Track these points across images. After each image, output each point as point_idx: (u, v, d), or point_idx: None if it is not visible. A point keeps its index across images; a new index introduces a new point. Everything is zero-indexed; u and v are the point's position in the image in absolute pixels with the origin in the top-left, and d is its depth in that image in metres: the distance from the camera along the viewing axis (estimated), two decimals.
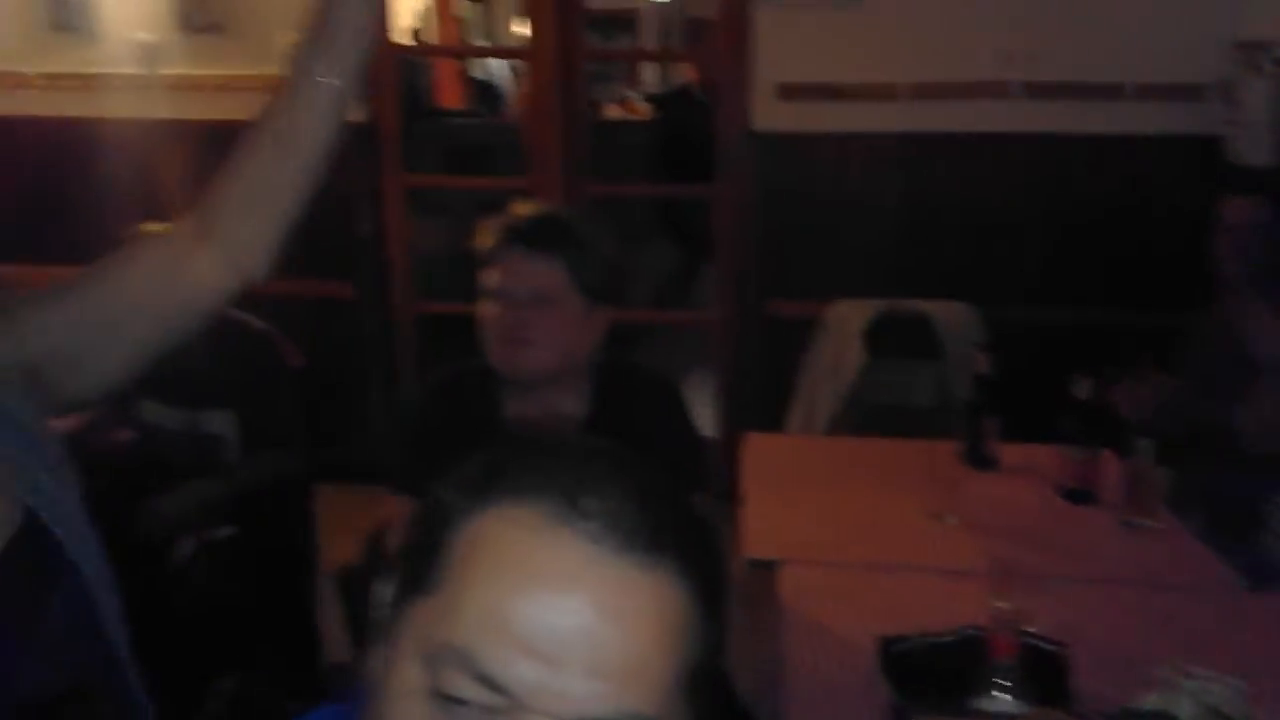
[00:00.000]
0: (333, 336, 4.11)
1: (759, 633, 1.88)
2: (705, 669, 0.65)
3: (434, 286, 4.47)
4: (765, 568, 1.98)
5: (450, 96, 7.22)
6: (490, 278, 1.77)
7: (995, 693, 1.33)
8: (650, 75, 9.62)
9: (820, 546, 2.08)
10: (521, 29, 8.61)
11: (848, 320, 3.78)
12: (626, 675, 0.60)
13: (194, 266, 1.09)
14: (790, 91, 3.83)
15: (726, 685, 1.91)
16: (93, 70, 4.06)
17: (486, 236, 1.78)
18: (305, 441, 2.75)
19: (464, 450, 1.79)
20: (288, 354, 2.89)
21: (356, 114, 4.04)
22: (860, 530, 2.16)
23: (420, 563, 0.64)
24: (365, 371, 4.29)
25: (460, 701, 0.60)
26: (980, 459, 2.45)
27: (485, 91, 7.98)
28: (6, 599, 0.97)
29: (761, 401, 3.98)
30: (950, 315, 3.73)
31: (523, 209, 1.81)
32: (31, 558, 0.98)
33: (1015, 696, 1.32)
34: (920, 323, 3.73)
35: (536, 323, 1.73)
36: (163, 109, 4.05)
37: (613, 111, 7.75)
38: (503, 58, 8.36)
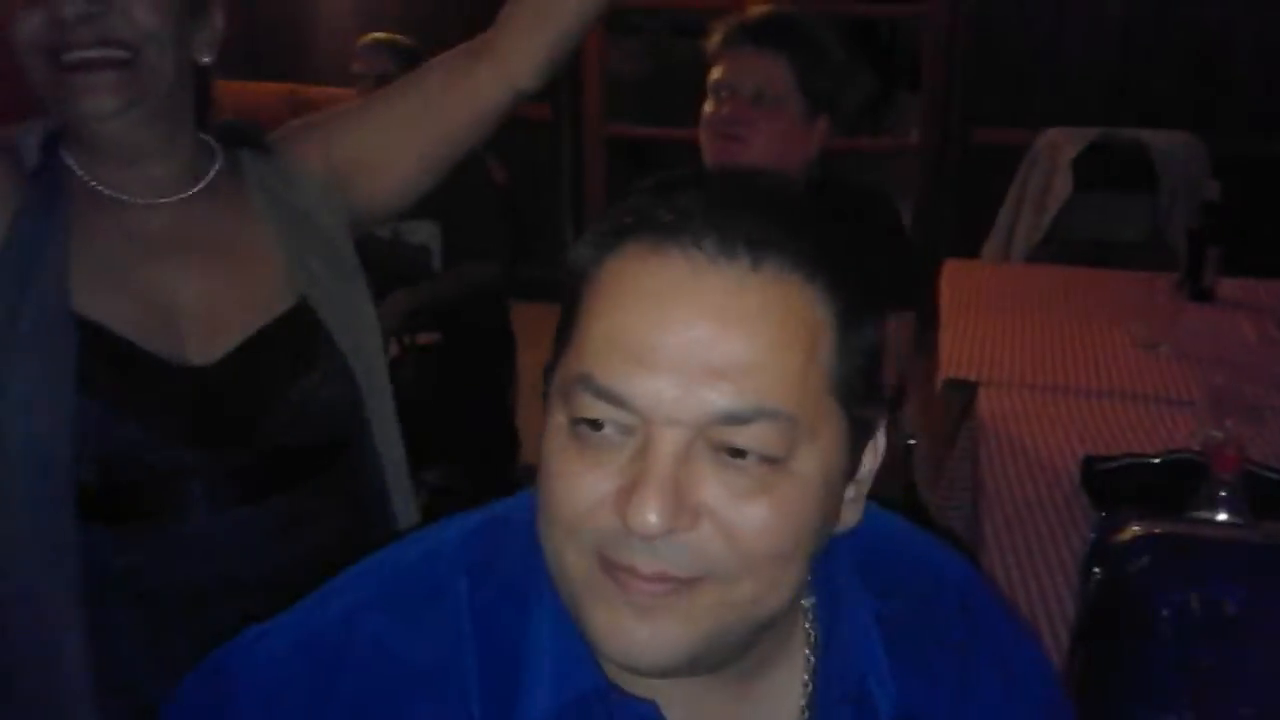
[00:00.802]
0: (527, 156, 4.18)
1: (955, 451, 1.88)
2: (856, 374, 0.65)
3: (625, 109, 4.47)
4: (963, 389, 1.96)
5: None
6: (714, 73, 1.75)
7: (1218, 507, 1.29)
8: None
9: (1021, 370, 2.05)
10: None
11: (1058, 149, 3.59)
12: (748, 372, 0.60)
13: (476, 78, 1.16)
14: None
15: (913, 495, 1.94)
16: None
17: (715, 34, 1.76)
18: (505, 255, 2.85)
19: None
20: (492, 170, 2.97)
21: None
22: (1065, 357, 2.11)
23: (562, 324, 0.67)
24: (557, 191, 4.37)
25: (594, 424, 0.62)
26: (1198, 290, 2.33)
27: None
28: (269, 363, 1.09)
29: (957, 231, 3.87)
30: (1171, 144, 3.49)
31: (755, 8, 1.79)
32: (298, 334, 1.10)
33: (1238, 512, 1.29)
34: (1136, 153, 3.51)
35: (756, 120, 1.71)
36: None
37: None
38: None
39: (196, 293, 1.07)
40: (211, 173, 1.12)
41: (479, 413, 2.83)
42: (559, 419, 0.65)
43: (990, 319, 2.31)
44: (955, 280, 2.50)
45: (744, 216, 0.63)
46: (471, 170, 2.80)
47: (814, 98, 1.73)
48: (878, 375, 0.68)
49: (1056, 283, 2.60)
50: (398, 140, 1.17)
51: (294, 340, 1.10)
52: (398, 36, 2.77)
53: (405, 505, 1.22)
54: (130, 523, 1.05)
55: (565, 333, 0.67)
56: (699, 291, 0.61)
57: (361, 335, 1.15)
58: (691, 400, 0.60)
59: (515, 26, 1.16)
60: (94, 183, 1.06)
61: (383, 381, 1.18)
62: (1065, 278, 2.66)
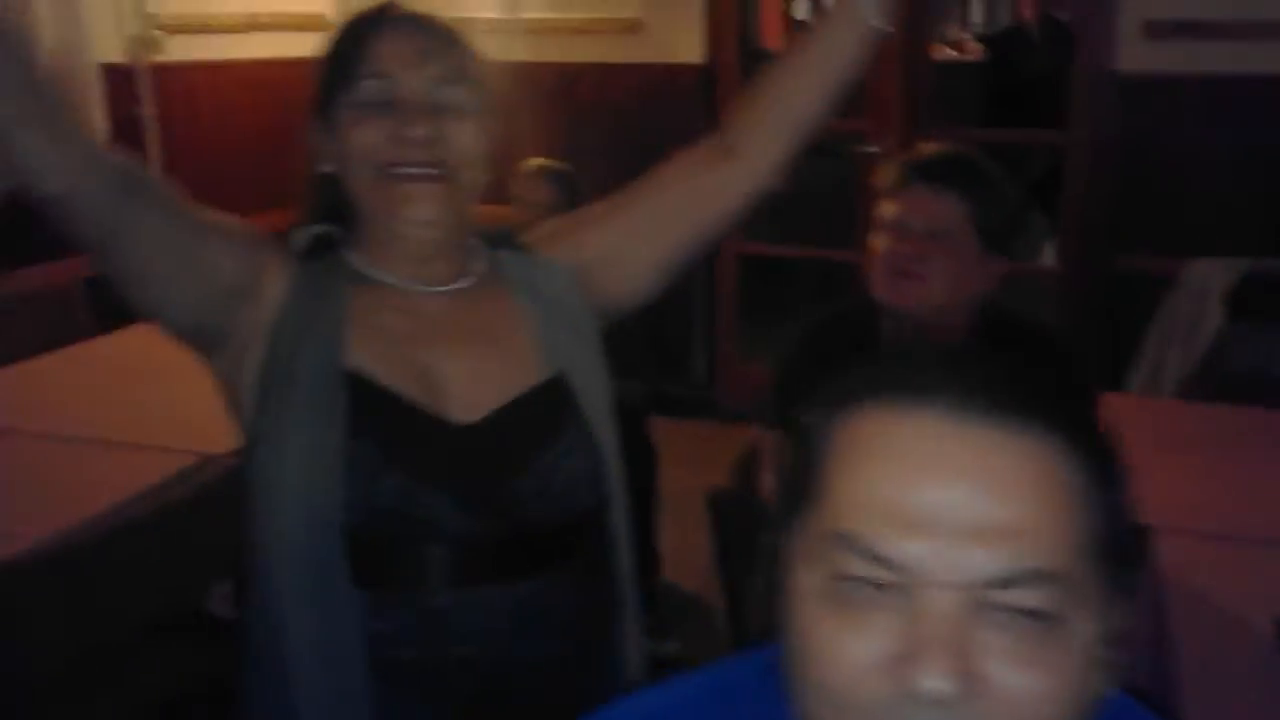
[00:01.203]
0: None
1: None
2: (1112, 534, 0.65)
3: (754, 226, 4.52)
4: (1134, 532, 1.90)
5: (774, 37, 7.19)
6: (886, 210, 1.77)
7: None
8: (977, 14, 9.18)
9: (1199, 516, 1.97)
10: None
11: (1207, 279, 3.51)
12: (1013, 535, 0.60)
13: (719, 177, 1.25)
14: (1158, 29, 3.57)
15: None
16: (462, 13, 4.33)
17: (885, 171, 1.80)
18: (648, 372, 2.89)
19: None
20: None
21: (694, 55, 4.13)
22: (1244, 503, 2.03)
23: (801, 478, 0.68)
24: (688, 307, 4.42)
25: (856, 581, 0.62)
26: None
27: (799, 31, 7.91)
28: (523, 428, 1.19)
29: (1098, 361, 3.78)
30: None
31: (925, 147, 1.82)
32: (550, 403, 1.21)
33: None
34: None
35: (931, 257, 1.72)
36: (524, 51, 4.28)
37: (939, 51, 7.46)
38: None
39: (461, 365, 1.20)
40: (478, 269, 1.26)
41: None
42: (812, 579, 0.64)
43: (1156, 459, 2.23)
44: (1112, 416, 2.43)
45: (996, 378, 0.65)
46: None
47: (988, 236, 1.74)
48: (1132, 536, 0.67)
49: (1221, 421, 2.52)
50: (642, 240, 1.27)
51: (546, 409, 1.21)
52: (553, 163, 2.88)
53: (634, 596, 1.29)
54: (382, 588, 1.13)
55: (806, 488, 0.67)
56: (958, 451, 0.62)
57: (604, 414, 1.25)
58: (959, 563, 0.60)
59: (756, 124, 1.24)
60: (374, 270, 1.22)
61: (617, 464, 1.26)
62: (1230, 416, 2.57)
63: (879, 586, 0.62)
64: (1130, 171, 3.69)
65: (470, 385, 1.19)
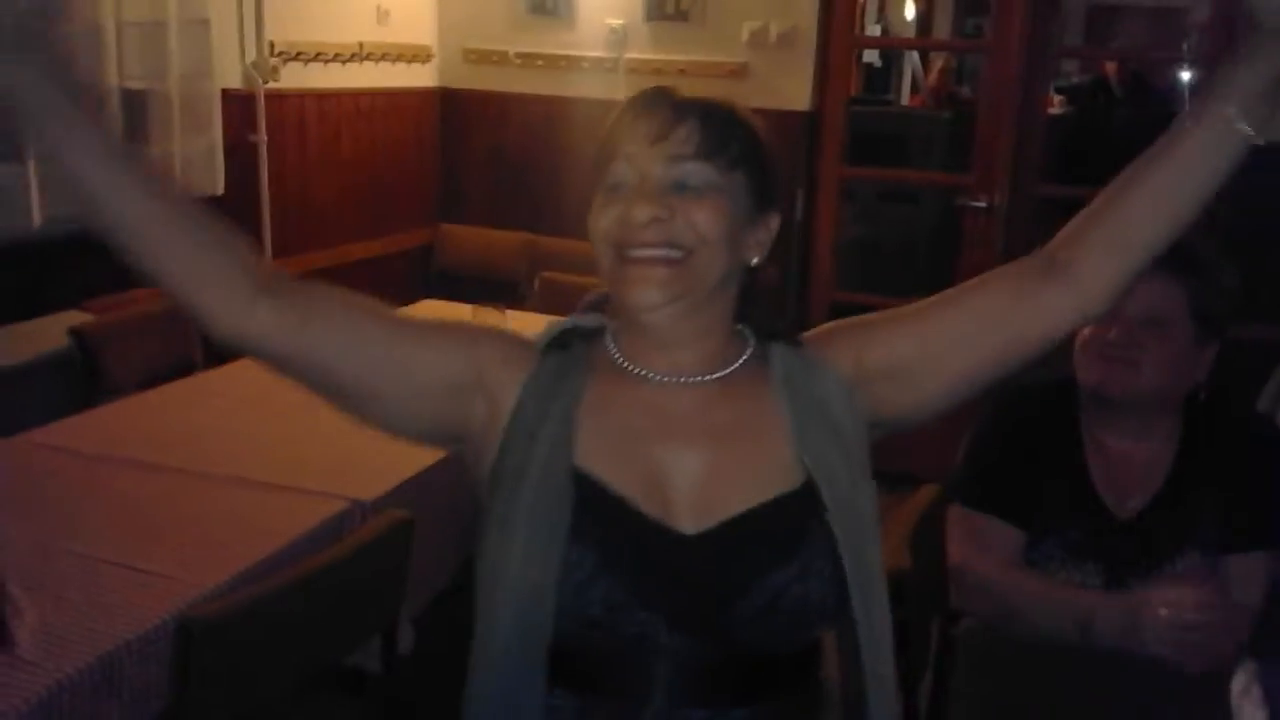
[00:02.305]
0: None
1: None
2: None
3: (843, 274, 4.48)
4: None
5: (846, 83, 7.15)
6: None
7: None
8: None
9: None
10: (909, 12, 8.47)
11: None
12: None
13: (1043, 299, 1.10)
14: None
15: None
16: (564, 52, 4.35)
17: None
18: None
19: (1043, 471, 1.73)
20: None
21: (801, 102, 4.10)
22: None
23: None
24: None
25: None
26: None
27: (874, 78, 7.89)
28: (752, 544, 1.08)
29: None
30: None
31: None
32: (791, 518, 1.09)
33: None
34: None
35: (1147, 344, 1.67)
36: (623, 91, 4.27)
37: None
38: (960, 50, 8.19)
39: (697, 466, 1.10)
40: (738, 362, 1.16)
41: None
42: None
43: None
44: None
45: None
46: None
47: (1205, 323, 1.68)
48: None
49: None
50: (941, 354, 1.13)
51: (785, 523, 1.09)
52: None
53: None
54: (593, 695, 1.08)
55: None
56: None
57: (862, 537, 1.10)
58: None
59: (1096, 244, 1.09)
60: (622, 359, 1.16)
61: (877, 592, 1.12)
62: None
63: None
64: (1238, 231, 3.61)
65: (703, 490, 1.10)
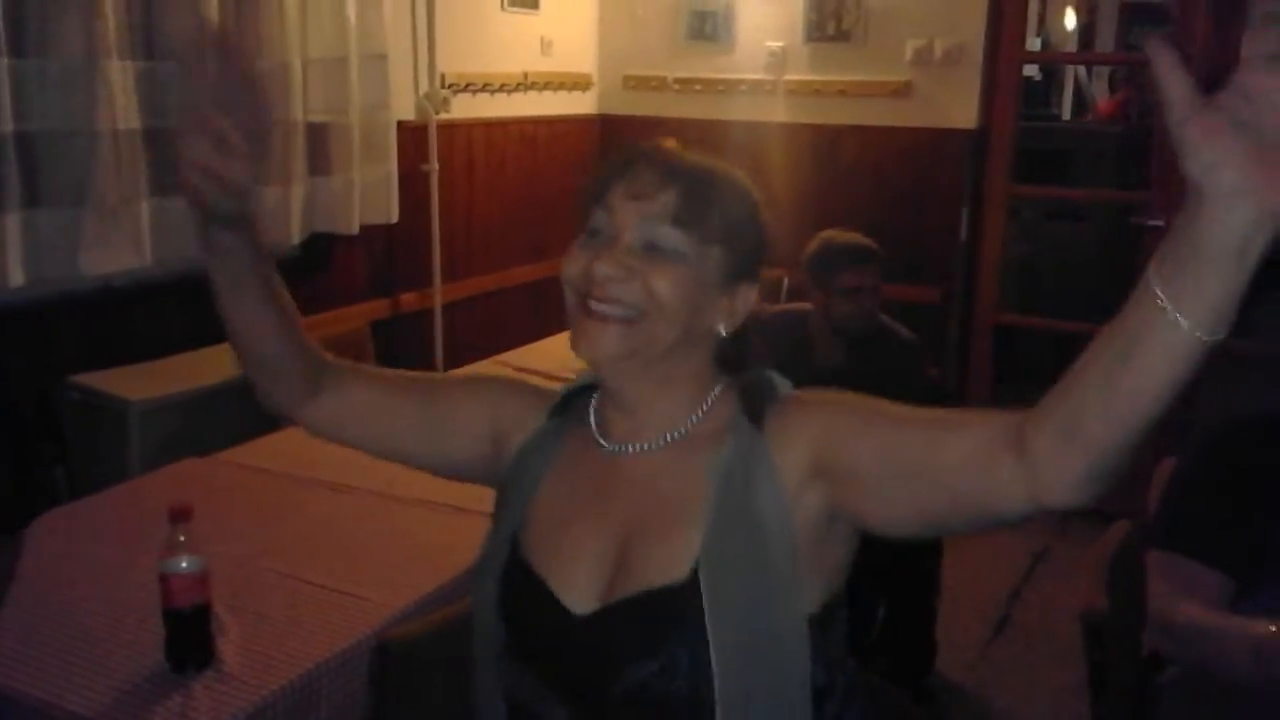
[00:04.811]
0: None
1: None
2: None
3: (1006, 293, 4.35)
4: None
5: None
6: None
7: None
8: None
9: None
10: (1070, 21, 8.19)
11: None
12: None
13: (996, 474, 0.90)
14: None
15: None
16: (722, 75, 4.36)
17: None
18: None
19: (1261, 515, 1.62)
20: (926, 363, 2.92)
21: (969, 120, 4.01)
22: None
23: None
24: (944, 380, 4.26)
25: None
26: None
27: (1033, 92, 7.66)
28: (621, 635, 1.08)
29: None
30: None
31: None
32: (664, 613, 1.05)
33: None
34: None
35: None
36: (783, 113, 4.25)
37: None
38: (1136, 64, 7.93)
39: (606, 545, 1.10)
40: (687, 425, 1.13)
41: (903, 620, 2.70)
42: None
43: None
44: None
45: None
46: (907, 362, 2.78)
47: None
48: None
49: None
50: (895, 481, 0.99)
51: (656, 617, 1.04)
52: (860, 238, 2.77)
53: None
54: None
55: None
56: None
57: (757, 636, 1.03)
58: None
59: (1046, 434, 0.85)
60: (594, 422, 1.18)
61: (769, 702, 1.04)
62: None
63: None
64: None
65: (600, 570, 1.09)
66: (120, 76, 2.60)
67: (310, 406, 1.23)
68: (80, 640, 1.62)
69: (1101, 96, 7.44)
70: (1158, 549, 1.66)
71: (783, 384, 1.13)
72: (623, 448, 1.13)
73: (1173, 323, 0.75)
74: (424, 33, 3.67)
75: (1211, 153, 0.70)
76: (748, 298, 1.13)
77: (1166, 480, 1.74)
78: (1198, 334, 0.74)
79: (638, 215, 1.08)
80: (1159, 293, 0.75)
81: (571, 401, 1.21)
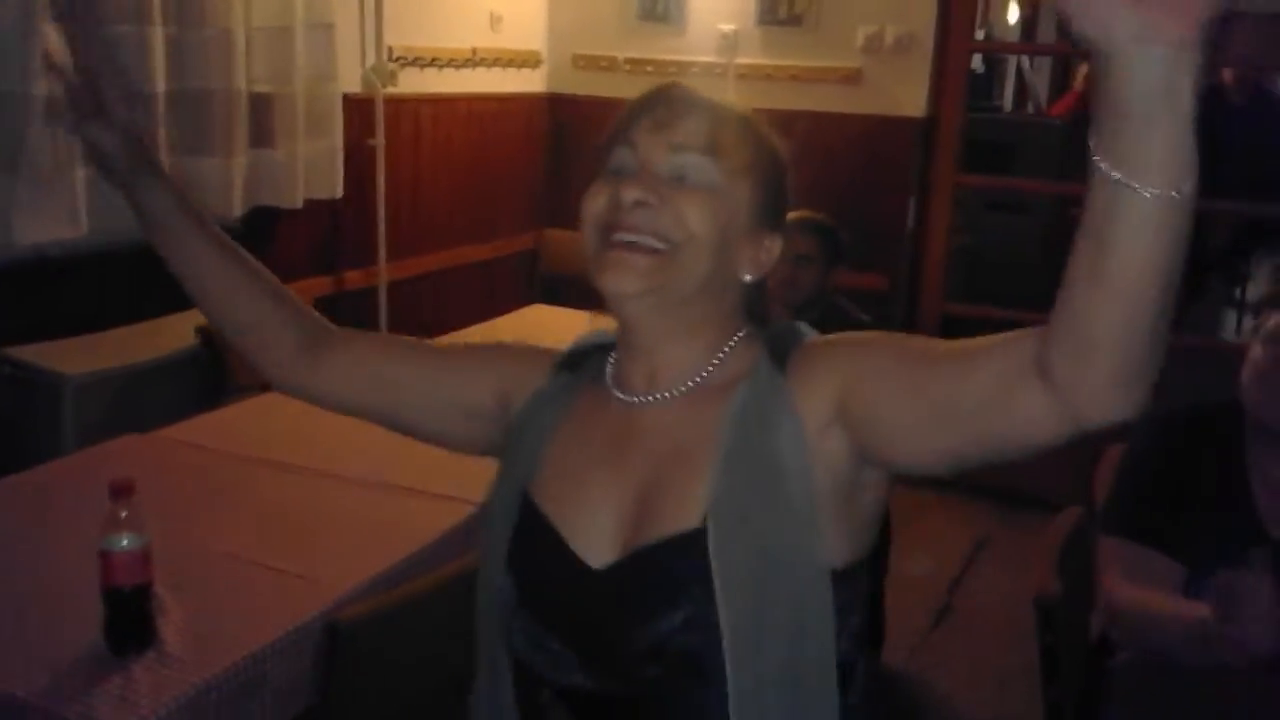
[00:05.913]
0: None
1: None
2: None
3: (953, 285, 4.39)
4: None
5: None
6: (1273, 321, 1.64)
7: None
8: None
9: None
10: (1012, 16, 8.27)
11: None
12: None
13: (1026, 400, 0.86)
14: None
15: None
16: (673, 57, 4.34)
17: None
18: None
19: (1204, 502, 1.65)
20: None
21: (918, 109, 4.03)
22: None
23: None
24: None
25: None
26: None
27: (977, 84, 7.74)
28: (639, 588, 1.04)
29: None
30: None
31: None
32: (676, 564, 1.01)
33: None
34: None
35: None
36: (733, 96, 4.24)
37: None
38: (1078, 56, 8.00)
39: (623, 496, 1.05)
40: (705, 372, 1.07)
41: None
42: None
43: None
44: None
45: None
46: None
47: None
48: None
49: None
50: (923, 422, 0.94)
51: (672, 569, 1.00)
52: (813, 214, 2.78)
53: None
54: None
55: None
56: None
57: (774, 585, 0.98)
58: None
59: (1065, 354, 0.82)
60: (610, 374, 1.12)
61: (774, 642, 0.99)
62: None
63: None
64: None
65: (617, 523, 1.04)
66: (55, 39, 2.51)
67: (306, 376, 1.19)
68: (14, 620, 1.56)
69: (1044, 90, 7.53)
70: (1108, 535, 1.68)
71: (809, 330, 1.08)
72: (640, 398, 1.08)
73: (1130, 190, 0.72)
74: (371, 3, 3.60)
75: (1101, 5, 0.67)
76: (772, 249, 1.08)
77: (1114, 468, 1.76)
78: (1155, 192, 0.71)
79: (666, 145, 1.02)
80: (1104, 166, 0.72)
81: (583, 361, 1.17)
